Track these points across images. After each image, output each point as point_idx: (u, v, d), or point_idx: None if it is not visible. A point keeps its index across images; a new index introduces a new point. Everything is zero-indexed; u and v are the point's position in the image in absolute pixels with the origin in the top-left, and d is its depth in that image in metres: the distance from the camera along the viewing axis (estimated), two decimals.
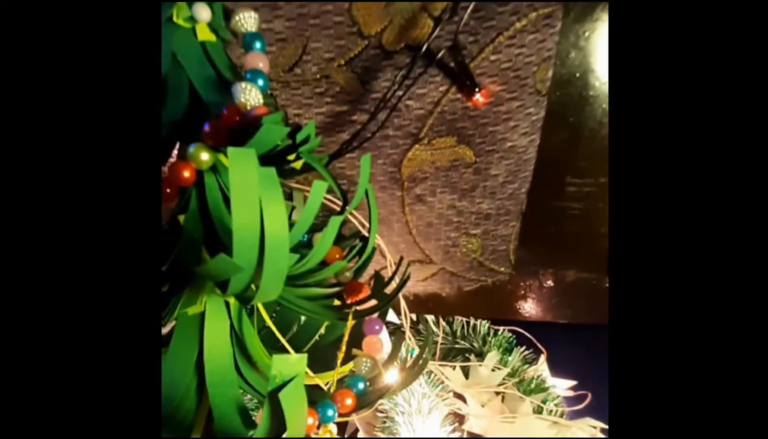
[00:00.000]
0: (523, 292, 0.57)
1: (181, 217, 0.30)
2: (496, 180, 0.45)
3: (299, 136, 0.31)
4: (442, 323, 0.58)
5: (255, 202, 0.24)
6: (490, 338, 0.57)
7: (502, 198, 0.47)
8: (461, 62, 0.38)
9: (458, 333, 0.59)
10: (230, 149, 0.23)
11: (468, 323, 0.59)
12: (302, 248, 0.37)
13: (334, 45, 0.38)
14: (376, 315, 0.37)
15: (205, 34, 0.33)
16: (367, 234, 0.43)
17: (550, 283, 0.57)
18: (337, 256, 0.37)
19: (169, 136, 0.31)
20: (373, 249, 0.43)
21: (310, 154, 0.32)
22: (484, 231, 0.48)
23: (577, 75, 0.45)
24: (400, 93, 0.40)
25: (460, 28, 0.38)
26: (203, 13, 0.32)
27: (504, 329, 0.58)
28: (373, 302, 0.39)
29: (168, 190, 0.30)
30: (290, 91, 0.39)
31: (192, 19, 0.32)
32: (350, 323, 0.35)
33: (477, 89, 0.40)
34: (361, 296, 0.39)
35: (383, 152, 0.43)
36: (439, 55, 0.38)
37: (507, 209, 0.47)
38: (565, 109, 0.47)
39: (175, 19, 0.32)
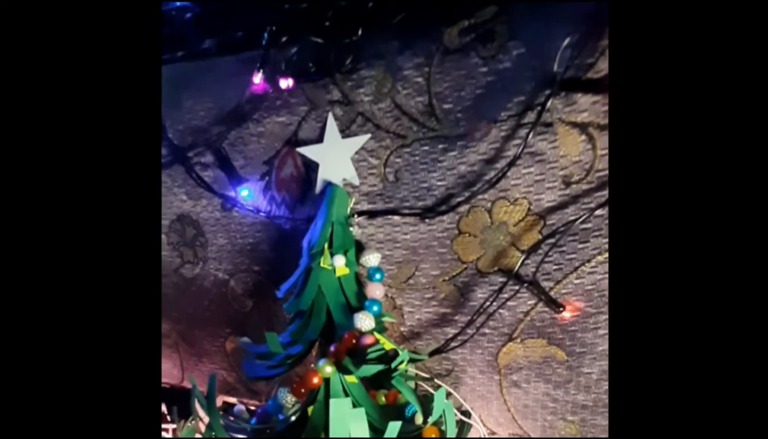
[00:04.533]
0: None
1: (310, 409, 0.43)
2: (590, 377, 0.49)
3: (394, 364, 0.42)
4: None
5: (346, 432, 0.35)
6: None
7: (598, 392, 0.50)
8: (542, 291, 0.45)
9: None
10: (332, 400, 0.35)
11: None
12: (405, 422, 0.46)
13: (439, 266, 0.49)
14: None
15: (342, 271, 0.47)
16: (469, 409, 0.51)
17: None
18: (433, 435, 0.46)
19: (307, 350, 0.45)
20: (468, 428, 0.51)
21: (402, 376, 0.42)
22: (581, 420, 0.51)
23: None
24: (493, 305, 0.48)
25: (545, 259, 0.45)
26: (339, 261, 0.46)
27: None
28: None
29: (302, 390, 0.43)
30: (406, 296, 0.51)
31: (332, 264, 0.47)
32: None
33: (561, 309, 0.45)
34: None
35: (480, 344, 0.51)
36: (524, 284, 0.45)
37: (605, 403, 0.50)
38: None
39: (321, 264, 0.46)
